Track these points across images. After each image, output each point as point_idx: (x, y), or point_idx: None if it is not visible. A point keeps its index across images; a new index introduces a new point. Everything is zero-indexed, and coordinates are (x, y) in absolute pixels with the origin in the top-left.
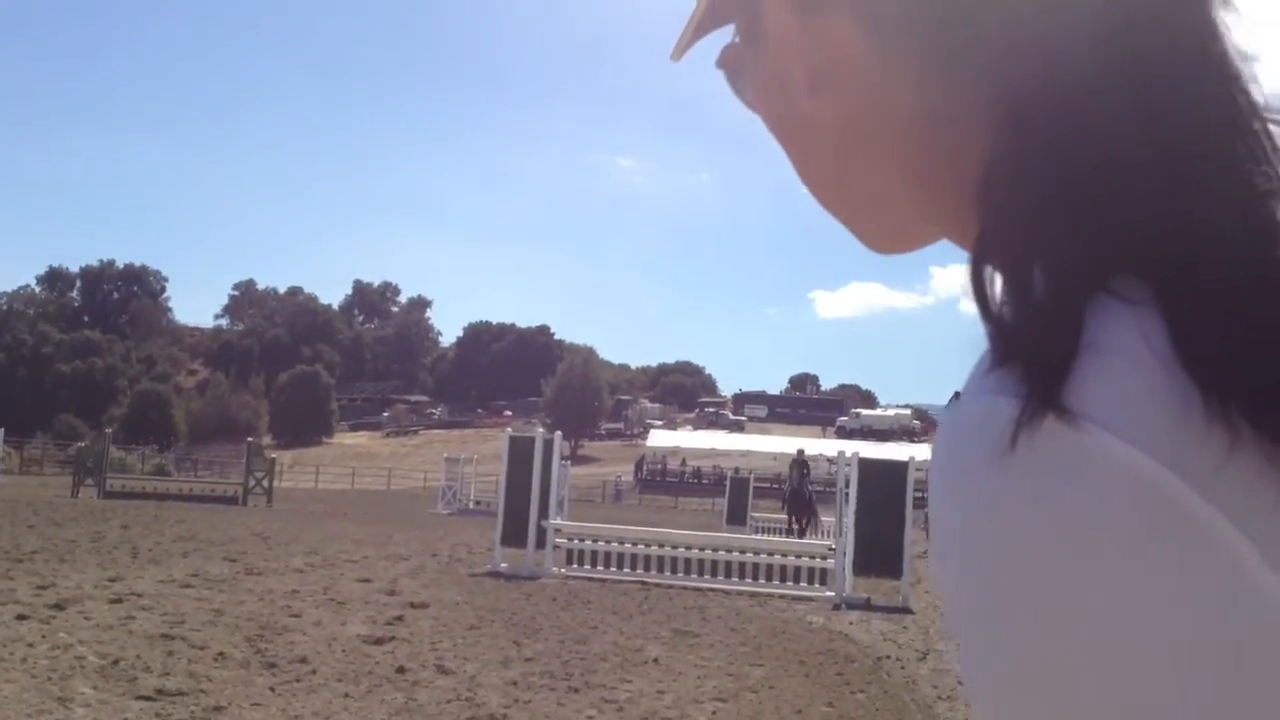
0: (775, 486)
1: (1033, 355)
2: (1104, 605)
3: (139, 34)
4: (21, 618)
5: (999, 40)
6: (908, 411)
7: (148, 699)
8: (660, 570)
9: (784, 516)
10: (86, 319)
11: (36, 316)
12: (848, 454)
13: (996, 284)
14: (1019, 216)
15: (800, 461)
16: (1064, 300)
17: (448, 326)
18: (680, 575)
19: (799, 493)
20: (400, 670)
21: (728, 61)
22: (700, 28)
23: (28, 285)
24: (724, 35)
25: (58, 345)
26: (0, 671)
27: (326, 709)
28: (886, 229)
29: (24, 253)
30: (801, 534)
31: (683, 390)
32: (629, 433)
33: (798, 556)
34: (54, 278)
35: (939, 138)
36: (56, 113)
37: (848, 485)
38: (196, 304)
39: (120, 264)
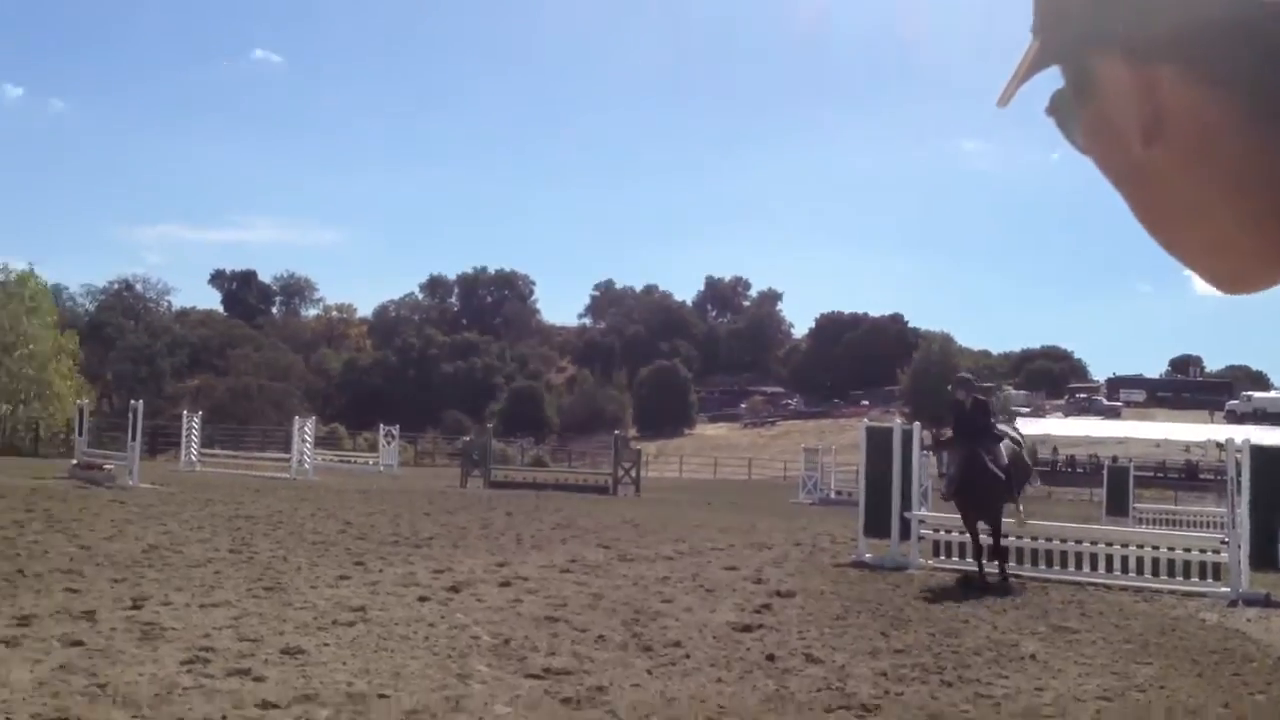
0: (1158, 475)
1: None
2: None
3: (501, 50)
4: (423, 599)
5: None
6: None
7: (537, 677)
8: (1034, 564)
9: (1170, 507)
10: (464, 321)
11: (421, 321)
12: (1237, 441)
13: None
14: None
15: (970, 402)
16: None
17: (799, 318)
18: (1055, 569)
19: (973, 461)
20: (770, 658)
21: (1057, 108)
22: (1028, 72)
23: (412, 293)
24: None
25: (441, 347)
26: (407, 649)
27: (701, 692)
28: (1230, 271)
29: (408, 263)
30: (994, 556)
31: (1049, 376)
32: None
33: (1187, 550)
34: (434, 285)
35: (1274, 182)
36: (430, 135)
37: (1239, 474)
38: (562, 305)
39: (492, 270)
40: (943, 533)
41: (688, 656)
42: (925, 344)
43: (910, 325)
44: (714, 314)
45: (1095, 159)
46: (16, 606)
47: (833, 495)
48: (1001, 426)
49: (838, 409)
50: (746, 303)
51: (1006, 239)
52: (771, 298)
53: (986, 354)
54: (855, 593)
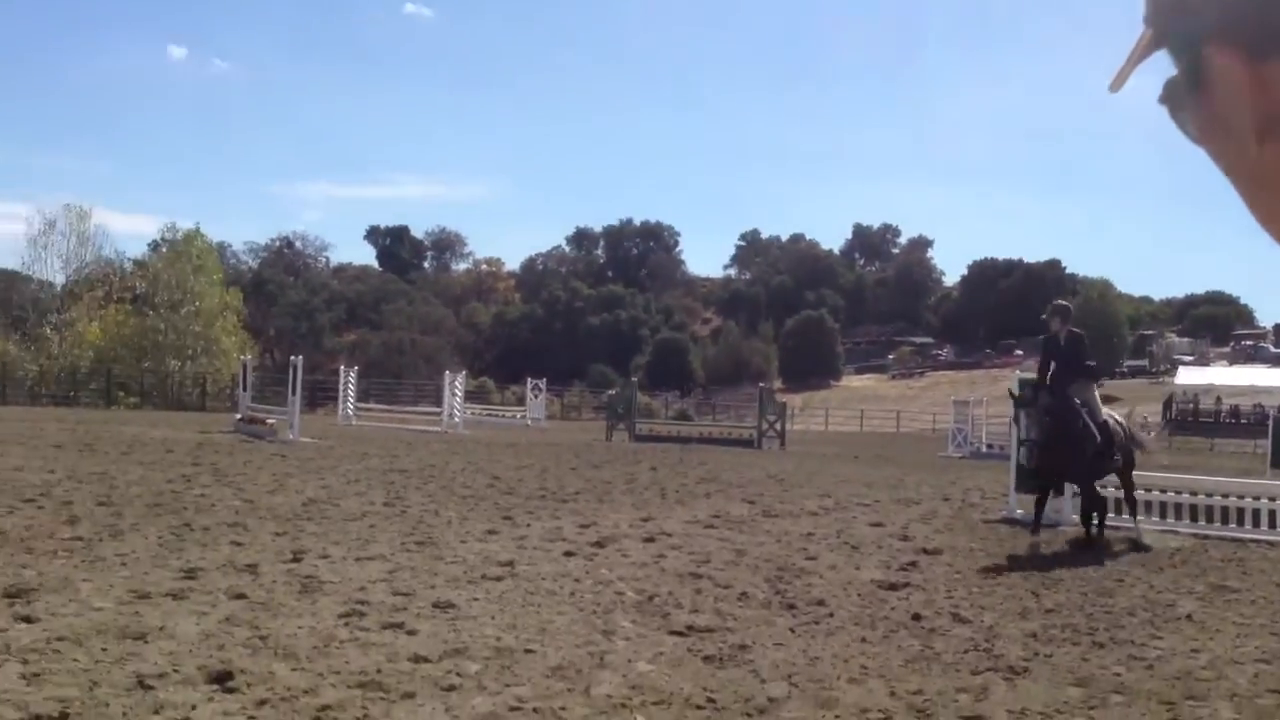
0: None
1: None
2: None
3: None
4: (569, 554)
5: None
6: None
7: (680, 634)
8: (1194, 520)
9: None
10: (610, 274)
11: (568, 274)
12: None
13: None
14: None
15: (1065, 335)
16: None
17: (951, 265)
18: (1215, 525)
19: (1064, 412)
20: (916, 617)
21: (1170, 97)
22: (1141, 59)
23: (559, 246)
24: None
25: (587, 300)
26: (553, 604)
27: (844, 652)
28: None
29: (554, 217)
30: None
31: (1214, 322)
32: (1154, 370)
33: None
34: (580, 238)
35: None
36: (577, 87)
37: None
38: (706, 255)
39: (637, 222)
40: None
41: (831, 615)
42: (1084, 291)
43: (1068, 271)
44: (862, 263)
45: (1209, 151)
46: (184, 560)
47: (983, 449)
48: (1107, 411)
49: (990, 359)
50: (895, 250)
51: (1169, 179)
52: (922, 245)
53: (1148, 300)
54: (1005, 550)
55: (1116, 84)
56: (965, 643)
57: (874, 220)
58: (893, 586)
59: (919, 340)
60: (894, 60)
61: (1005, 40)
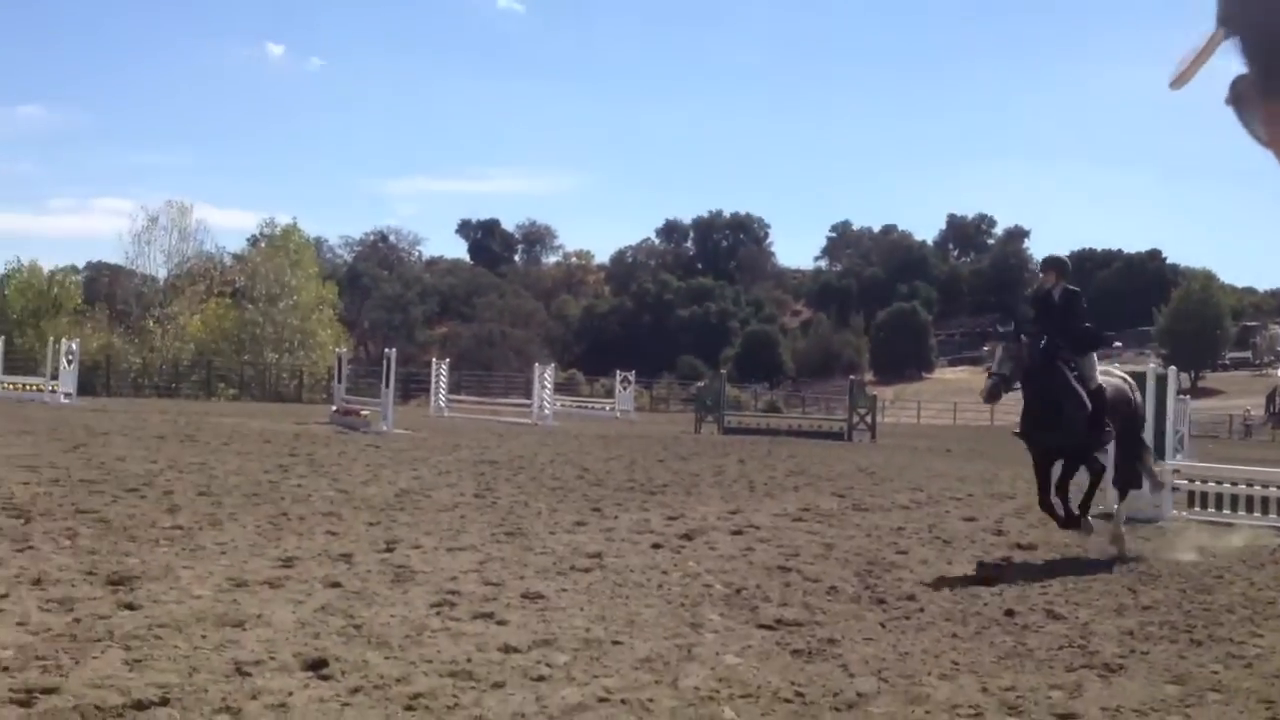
0: None
1: None
2: None
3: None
4: (656, 546)
5: None
6: None
7: (768, 628)
8: None
9: None
10: (700, 266)
11: (657, 266)
12: None
13: None
14: None
15: (1060, 293)
16: None
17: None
18: None
19: (1046, 376)
20: (1009, 613)
21: (1238, 97)
22: (1206, 58)
23: (648, 238)
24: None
25: (676, 292)
26: (640, 596)
27: (935, 648)
28: None
29: (644, 209)
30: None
31: None
32: (1257, 362)
33: None
34: (670, 230)
35: None
36: (665, 80)
37: None
38: (797, 247)
39: (727, 214)
40: (1199, 483)
41: (922, 610)
42: (1185, 282)
43: (1169, 262)
44: (956, 253)
45: (1277, 153)
46: (281, 549)
47: None
48: (1114, 369)
49: None
50: (990, 241)
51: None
52: (1018, 235)
53: (1251, 290)
54: (1104, 546)
55: (1179, 82)
56: (1059, 639)
57: (968, 210)
58: (985, 581)
59: None
60: (987, 43)
61: (1105, 17)
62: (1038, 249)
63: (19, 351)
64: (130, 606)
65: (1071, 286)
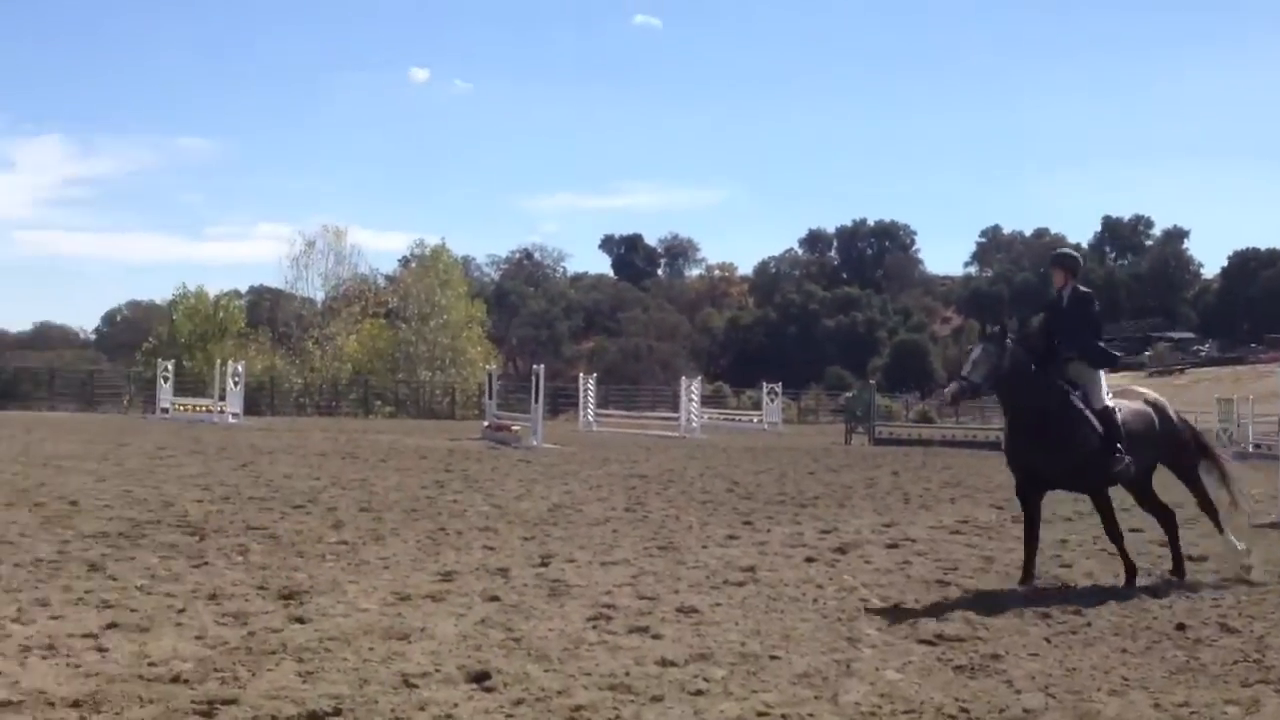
0: None
1: None
2: None
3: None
4: (810, 560)
5: None
6: None
7: (928, 643)
8: None
9: None
10: (845, 276)
11: (801, 277)
12: None
13: None
14: None
15: (1070, 294)
16: None
17: (1209, 257)
18: None
19: (1043, 395)
20: (1180, 627)
21: None
22: None
23: (791, 249)
24: None
25: (822, 302)
26: (796, 610)
27: (1104, 663)
28: None
29: (786, 220)
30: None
31: None
32: None
33: None
34: (814, 239)
35: None
36: (799, 90)
37: None
38: (946, 254)
39: (871, 221)
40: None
41: (1089, 624)
42: None
43: None
44: (1113, 256)
45: None
46: (440, 563)
47: (1250, 449)
48: (1137, 388)
49: (1255, 354)
50: (1149, 242)
51: None
52: (1177, 236)
53: None
54: (1276, 556)
55: None
56: (1234, 653)
57: (1124, 211)
58: (1155, 594)
59: (1177, 335)
60: (1139, 37)
61: (1267, 11)
62: (1198, 250)
63: (188, 374)
64: (301, 620)
65: (1083, 288)
